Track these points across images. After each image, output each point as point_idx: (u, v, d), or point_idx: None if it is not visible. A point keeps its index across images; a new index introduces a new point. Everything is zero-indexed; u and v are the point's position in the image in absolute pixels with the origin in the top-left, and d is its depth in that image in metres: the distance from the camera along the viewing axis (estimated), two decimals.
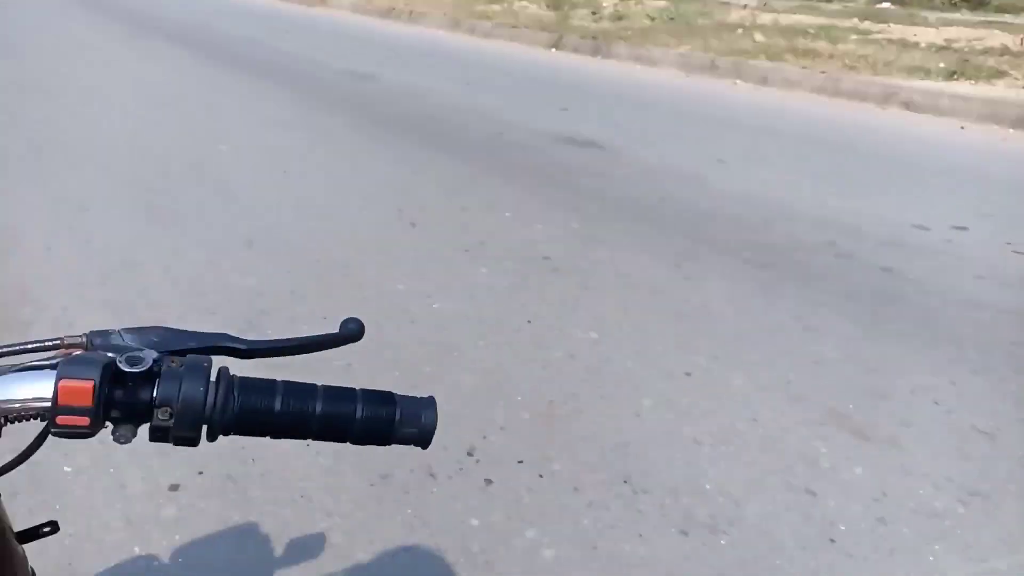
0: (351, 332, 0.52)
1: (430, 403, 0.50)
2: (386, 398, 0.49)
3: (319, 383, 0.49)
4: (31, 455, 0.49)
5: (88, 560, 1.41)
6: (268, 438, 0.49)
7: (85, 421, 0.44)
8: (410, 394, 0.50)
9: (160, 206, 3.41)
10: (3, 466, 0.50)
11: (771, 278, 2.81)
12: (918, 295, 2.74)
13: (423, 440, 0.50)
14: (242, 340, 0.50)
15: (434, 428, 0.49)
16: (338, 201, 3.67)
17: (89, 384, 0.43)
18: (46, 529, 0.72)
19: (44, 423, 0.46)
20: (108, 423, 0.45)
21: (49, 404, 0.44)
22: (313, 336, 0.51)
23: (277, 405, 0.48)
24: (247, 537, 1.49)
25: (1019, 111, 5.49)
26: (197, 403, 0.46)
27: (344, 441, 0.49)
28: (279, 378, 0.49)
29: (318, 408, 0.48)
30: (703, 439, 1.81)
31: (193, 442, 0.47)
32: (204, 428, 0.46)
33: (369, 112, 5.64)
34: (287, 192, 3.73)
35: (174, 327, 0.50)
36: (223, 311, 2.35)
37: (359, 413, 0.49)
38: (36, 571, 0.69)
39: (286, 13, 14.54)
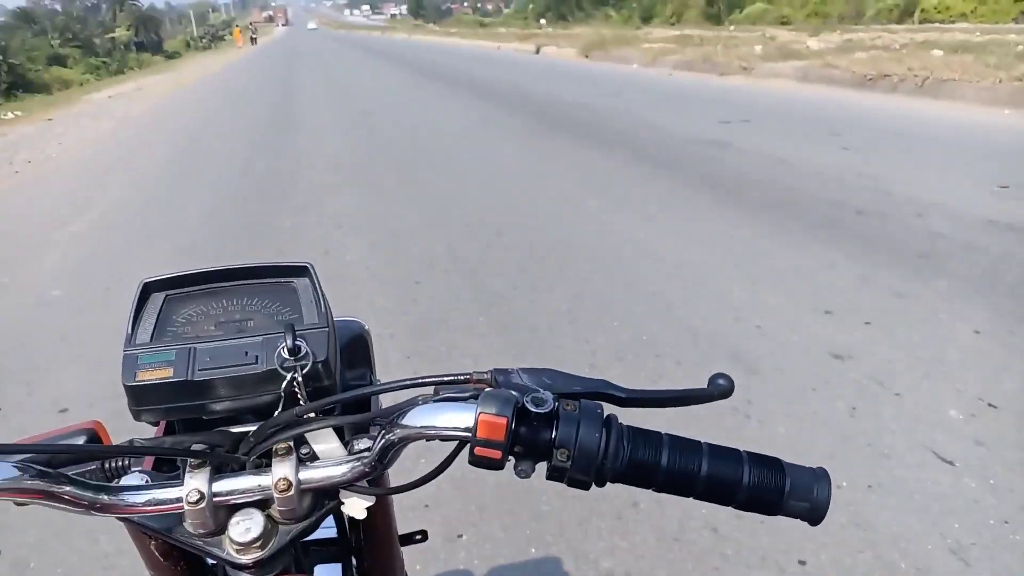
0: (722, 388, 0.54)
1: (823, 475, 0.50)
2: (774, 465, 0.51)
3: (702, 440, 0.52)
4: (439, 474, 0.56)
5: None
6: (651, 490, 0.51)
7: (498, 454, 0.49)
8: (798, 463, 0.51)
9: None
10: (418, 480, 0.57)
11: None
12: None
13: (814, 517, 0.50)
14: (621, 388, 0.54)
15: (827, 504, 0.49)
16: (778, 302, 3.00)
17: (503, 420, 0.49)
18: (418, 536, 0.85)
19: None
20: (511, 457, 0.50)
21: (468, 434, 0.50)
22: (685, 390, 0.54)
23: (664, 460, 0.51)
24: None
25: None
26: (592, 449, 0.49)
27: (727, 505, 0.51)
28: (663, 430, 0.52)
29: (703, 468, 0.50)
30: None
31: (585, 486, 0.50)
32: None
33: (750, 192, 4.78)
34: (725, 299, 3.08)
35: (561, 370, 0.55)
36: None
37: (746, 479, 0.50)
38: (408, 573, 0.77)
39: (594, 70, 15.81)
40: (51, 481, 0.50)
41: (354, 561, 0.80)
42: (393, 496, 0.68)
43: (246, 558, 0.55)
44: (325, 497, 0.58)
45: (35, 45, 48.71)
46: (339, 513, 0.69)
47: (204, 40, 70.36)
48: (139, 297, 0.61)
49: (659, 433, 0.52)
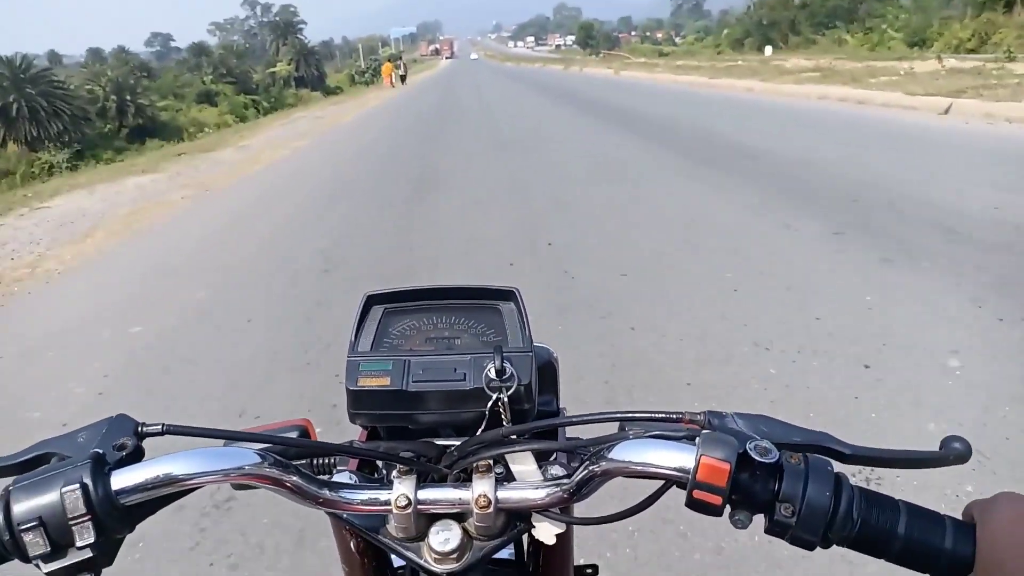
0: (957, 453, 0.51)
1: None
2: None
3: (943, 512, 0.48)
4: (645, 509, 0.55)
5: None
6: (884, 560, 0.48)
7: (718, 500, 0.48)
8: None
9: None
10: (615, 515, 0.58)
11: None
12: None
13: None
14: (845, 444, 0.52)
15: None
16: None
17: (727, 466, 0.48)
18: (589, 571, 0.87)
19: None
20: (728, 505, 0.49)
21: (687, 475, 0.49)
22: (915, 451, 0.51)
23: (901, 529, 0.48)
24: None
25: None
26: (822, 508, 0.47)
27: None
28: (899, 497, 0.49)
29: (947, 543, 0.46)
30: None
31: (810, 546, 0.48)
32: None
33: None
34: None
35: (777, 418, 0.54)
36: None
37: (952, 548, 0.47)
38: None
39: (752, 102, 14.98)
40: (284, 471, 0.55)
41: None
42: (576, 528, 0.68)
43: (442, 568, 0.58)
44: (517, 519, 0.60)
45: (188, 81, 44.05)
46: (519, 537, 0.69)
47: (367, 75, 66.29)
48: (362, 308, 0.67)
49: (895, 500, 0.49)
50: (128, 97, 28.27)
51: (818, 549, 0.49)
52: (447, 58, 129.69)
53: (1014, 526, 0.45)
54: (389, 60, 42.29)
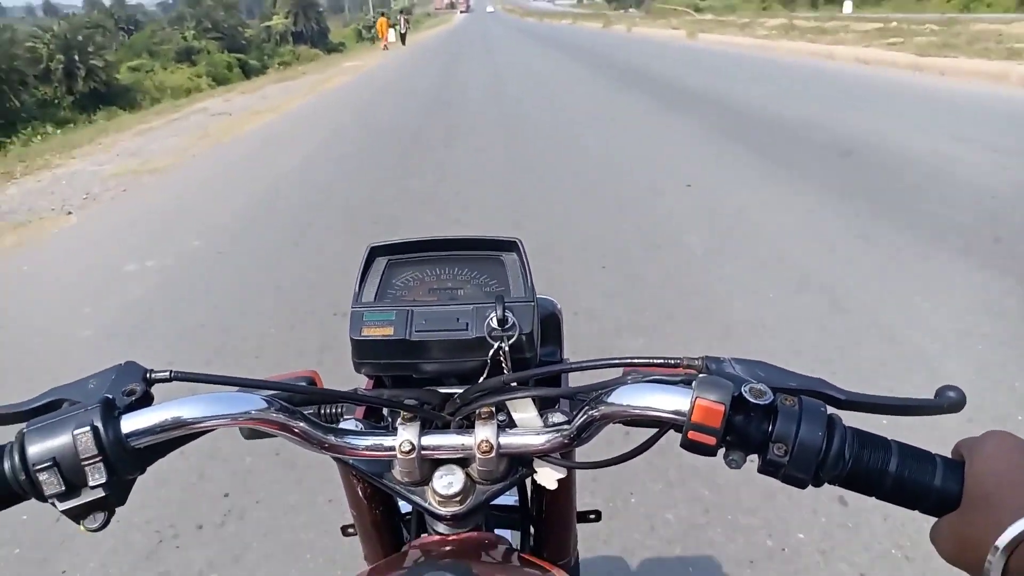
0: (951, 401, 0.52)
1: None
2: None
3: (934, 451, 0.51)
4: (643, 452, 0.58)
5: None
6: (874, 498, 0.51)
7: (712, 440, 0.50)
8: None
9: None
10: (615, 458, 0.60)
11: None
12: None
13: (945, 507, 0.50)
14: (840, 390, 0.54)
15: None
16: None
17: (721, 407, 0.50)
18: (592, 516, 0.91)
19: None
20: (722, 446, 0.51)
21: (683, 418, 0.51)
22: (910, 399, 0.53)
23: (892, 467, 0.50)
24: None
25: None
26: (814, 447, 0.49)
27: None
28: (890, 436, 0.52)
29: (937, 480, 0.49)
30: None
31: (802, 484, 0.50)
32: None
33: None
34: None
35: (775, 364, 0.55)
36: None
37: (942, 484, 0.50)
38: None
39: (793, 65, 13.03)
40: (291, 417, 0.57)
41: (532, 530, 0.84)
42: (576, 472, 0.72)
43: (446, 510, 0.61)
44: (519, 464, 0.62)
45: (167, 37, 38.26)
46: (522, 483, 0.74)
47: (373, 30, 60.61)
48: (366, 260, 0.69)
49: (887, 439, 0.51)
50: (77, 57, 23.57)
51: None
52: (462, 12, 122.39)
53: (999, 461, 0.46)
54: (384, 15, 34.30)
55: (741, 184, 5.47)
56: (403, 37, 31.21)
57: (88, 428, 0.51)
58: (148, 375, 0.57)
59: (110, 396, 0.55)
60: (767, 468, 0.51)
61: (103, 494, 0.51)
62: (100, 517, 0.53)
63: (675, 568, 1.83)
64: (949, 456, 0.51)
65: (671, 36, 25.53)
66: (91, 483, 0.51)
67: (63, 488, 0.51)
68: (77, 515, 0.52)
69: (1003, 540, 0.43)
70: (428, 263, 0.70)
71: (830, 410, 0.52)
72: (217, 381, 0.57)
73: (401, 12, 33.51)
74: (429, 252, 0.71)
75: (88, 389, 0.56)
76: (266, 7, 55.18)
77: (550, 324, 0.73)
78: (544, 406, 0.62)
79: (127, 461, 0.53)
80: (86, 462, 0.51)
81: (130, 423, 0.53)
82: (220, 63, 36.68)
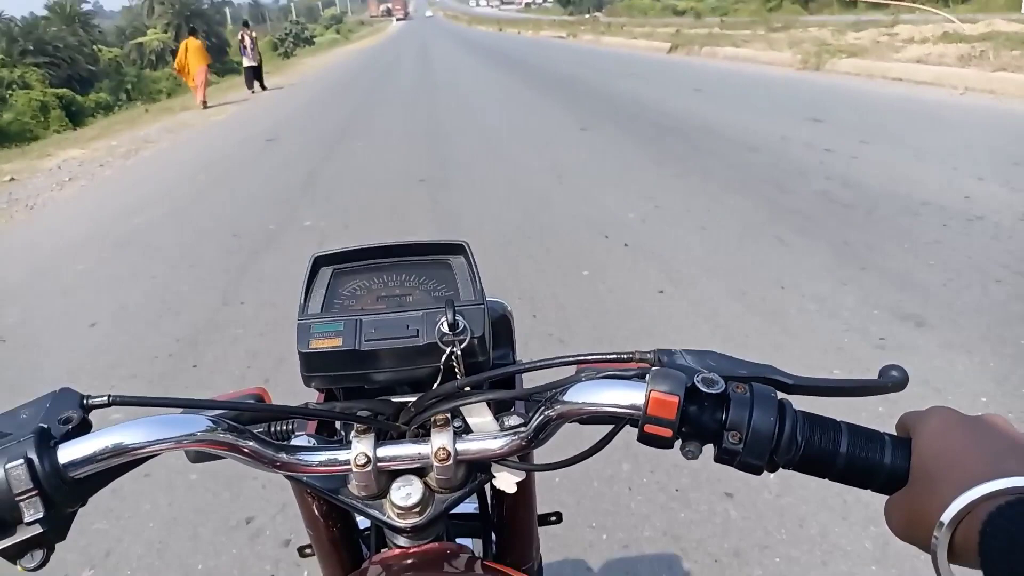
0: (895, 380, 0.55)
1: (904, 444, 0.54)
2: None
3: (882, 430, 0.54)
4: (600, 450, 0.60)
5: None
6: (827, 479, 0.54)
7: (668, 432, 0.52)
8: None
9: None
10: (572, 458, 0.62)
11: None
12: None
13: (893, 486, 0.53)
14: (788, 375, 0.56)
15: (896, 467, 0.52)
16: None
17: (675, 399, 0.51)
18: (553, 518, 0.91)
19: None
20: (678, 438, 0.54)
21: (638, 412, 0.53)
22: (856, 380, 0.56)
23: (842, 448, 0.52)
24: None
25: None
26: (767, 433, 0.51)
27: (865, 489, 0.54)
28: (839, 418, 0.54)
29: (886, 459, 0.51)
30: None
31: (758, 470, 0.53)
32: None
33: None
34: None
35: (725, 353, 0.58)
36: None
37: (888, 462, 0.52)
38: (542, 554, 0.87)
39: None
40: (239, 436, 0.57)
41: (493, 536, 0.85)
42: (536, 475, 0.75)
43: (405, 522, 0.61)
44: (477, 470, 0.63)
45: None
46: (481, 489, 0.76)
47: (286, 44, 48.29)
48: (310, 271, 0.69)
49: (836, 421, 0.54)
50: None
51: (765, 473, 0.53)
52: (398, 19, 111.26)
53: (942, 438, 0.49)
54: (193, 33, 16.56)
55: None
56: (256, 75, 16.84)
57: (21, 461, 0.49)
58: (85, 401, 0.56)
59: (44, 425, 0.53)
60: (723, 456, 0.52)
61: (40, 530, 0.50)
62: (39, 555, 0.51)
63: (640, 569, 1.83)
64: (895, 433, 0.54)
65: (653, 48, 20.35)
66: (27, 519, 0.49)
67: None
68: (13, 555, 0.51)
69: (947, 515, 0.44)
70: (375, 271, 0.70)
71: (780, 395, 0.54)
72: (160, 403, 0.56)
73: (245, 27, 17.47)
74: (375, 259, 0.71)
75: (20, 420, 0.54)
76: (141, 19, 43.74)
77: (501, 326, 0.74)
78: (500, 409, 0.64)
79: (66, 493, 0.51)
80: (20, 497, 0.49)
81: (67, 453, 0.52)
82: (22, 105, 24.36)
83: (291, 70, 24.97)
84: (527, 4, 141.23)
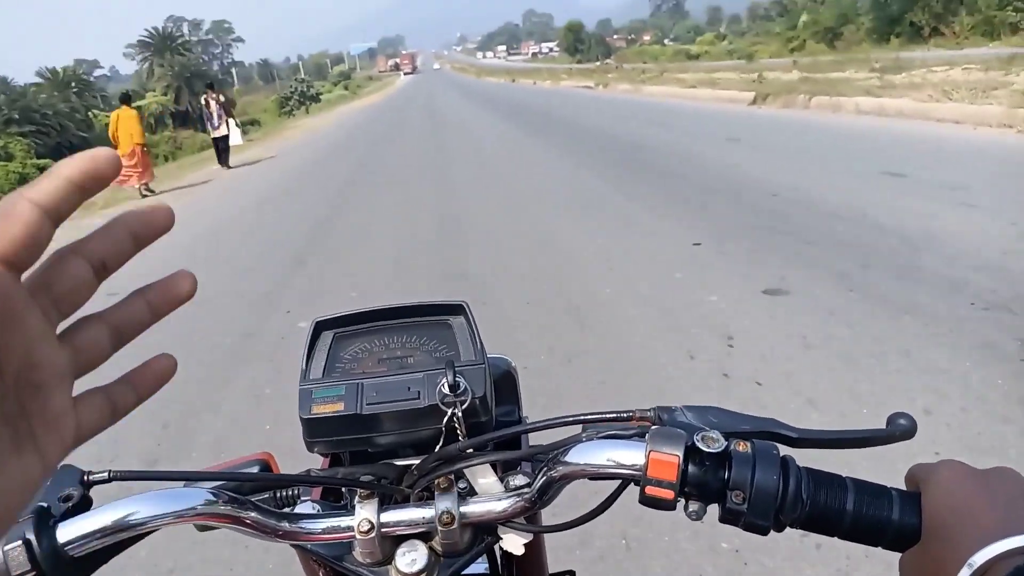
0: (903, 429, 0.54)
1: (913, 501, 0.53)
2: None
3: (889, 485, 0.53)
4: (604, 511, 0.60)
5: None
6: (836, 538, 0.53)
7: (670, 495, 0.51)
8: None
9: None
10: (578, 519, 0.61)
11: None
12: None
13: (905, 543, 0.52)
14: (792, 428, 0.56)
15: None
16: None
17: (675, 459, 0.51)
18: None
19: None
20: (680, 498, 0.53)
21: (637, 472, 0.53)
22: (861, 430, 0.55)
23: (849, 505, 0.51)
24: None
25: None
26: (771, 492, 0.50)
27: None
28: (845, 473, 0.54)
29: (895, 515, 0.50)
30: None
31: (764, 531, 0.52)
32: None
33: None
34: None
35: (726, 408, 0.58)
36: None
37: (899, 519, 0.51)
38: None
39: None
40: (240, 508, 0.58)
41: None
42: (546, 535, 0.74)
43: None
44: (483, 532, 0.63)
45: None
46: (491, 550, 0.76)
47: (292, 101, 46.12)
48: (311, 335, 0.69)
49: (842, 477, 0.53)
50: None
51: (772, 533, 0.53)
52: (406, 74, 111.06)
53: (954, 492, 0.48)
54: (127, 101, 12.38)
55: None
56: (221, 148, 14.12)
57: (19, 542, 0.50)
58: (85, 477, 0.57)
59: (44, 504, 0.54)
60: (727, 517, 0.52)
61: None
62: None
63: None
64: (903, 487, 0.53)
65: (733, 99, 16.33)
66: None
67: None
68: None
69: (964, 574, 0.44)
70: (375, 333, 0.71)
71: (784, 451, 0.53)
72: (160, 477, 0.57)
73: (210, 89, 14.02)
74: (375, 322, 0.71)
75: None
76: (140, 81, 41.94)
77: (505, 383, 0.74)
78: (505, 469, 0.64)
79: (65, 572, 0.52)
80: None
81: (67, 531, 0.53)
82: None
83: (283, 133, 22.31)
84: (533, 54, 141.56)
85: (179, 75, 37.96)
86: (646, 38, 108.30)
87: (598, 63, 55.41)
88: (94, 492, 0.57)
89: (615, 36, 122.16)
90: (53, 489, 0.55)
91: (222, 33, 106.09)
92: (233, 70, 77.88)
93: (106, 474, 0.55)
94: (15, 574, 0.48)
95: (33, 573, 0.49)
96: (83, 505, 0.55)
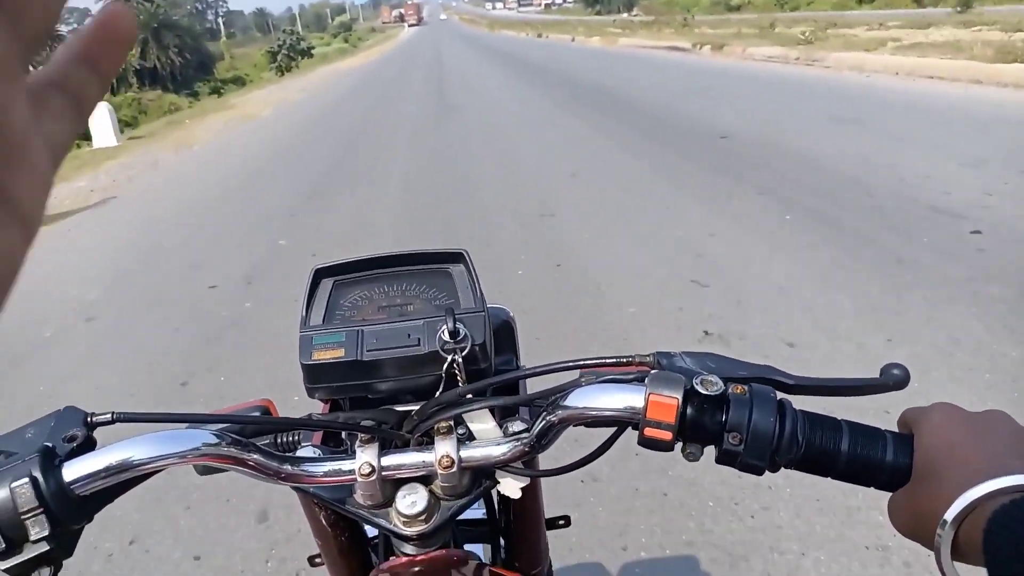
0: (896, 378, 0.55)
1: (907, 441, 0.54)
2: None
3: (882, 427, 0.54)
4: (602, 454, 0.61)
5: None
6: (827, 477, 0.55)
7: (668, 436, 0.53)
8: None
9: None
10: (575, 463, 0.62)
11: None
12: None
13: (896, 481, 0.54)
14: (788, 375, 0.57)
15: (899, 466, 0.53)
16: None
17: (674, 401, 0.52)
18: (561, 522, 0.91)
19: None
20: (679, 440, 0.55)
21: (638, 415, 0.54)
22: (855, 379, 0.56)
23: (844, 446, 0.52)
24: None
25: None
26: (767, 433, 0.51)
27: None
28: (840, 416, 0.55)
29: (888, 456, 0.51)
30: None
31: (759, 471, 0.53)
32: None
33: None
34: None
35: (724, 355, 0.59)
36: None
37: (892, 459, 0.53)
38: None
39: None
40: (243, 449, 0.58)
41: (502, 542, 0.86)
42: (542, 480, 0.76)
43: (411, 530, 0.62)
44: (482, 476, 0.65)
45: None
46: (488, 495, 0.79)
47: (279, 56, 40.50)
48: (311, 283, 0.70)
49: (836, 419, 0.55)
50: None
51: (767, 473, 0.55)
52: (411, 25, 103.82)
53: (945, 434, 0.49)
54: None
55: None
56: None
57: (27, 479, 0.51)
58: (89, 419, 0.58)
59: (50, 444, 0.55)
60: (724, 458, 0.53)
61: (47, 548, 0.51)
62: (46, 572, 0.52)
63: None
64: (896, 430, 0.55)
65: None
66: (33, 537, 0.51)
67: (3, 545, 0.50)
68: (20, 573, 0.52)
69: (950, 513, 0.44)
70: (375, 281, 0.71)
71: (780, 395, 0.55)
72: (163, 419, 0.58)
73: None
74: (375, 270, 0.72)
75: (26, 439, 0.57)
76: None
77: (503, 332, 0.75)
78: (504, 415, 0.65)
79: (71, 510, 0.53)
80: (26, 516, 0.50)
81: (72, 470, 0.54)
82: None
83: (206, 121, 14.70)
84: (546, 5, 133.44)
85: (145, 25, 32.44)
86: None
87: (624, 15, 49.17)
88: (97, 434, 0.58)
89: None
90: (57, 430, 0.57)
91: None
92: (220, 20, 71.61)
93: (109, 415, 0.57)
94: (22, 510, 0.50)
95: (40, 510, 0.50)
96: (87, 445, 0.56)
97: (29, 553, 0.50)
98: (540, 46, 30.59)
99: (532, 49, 28.08)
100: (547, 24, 46.80)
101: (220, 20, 74.32)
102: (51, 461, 0.52)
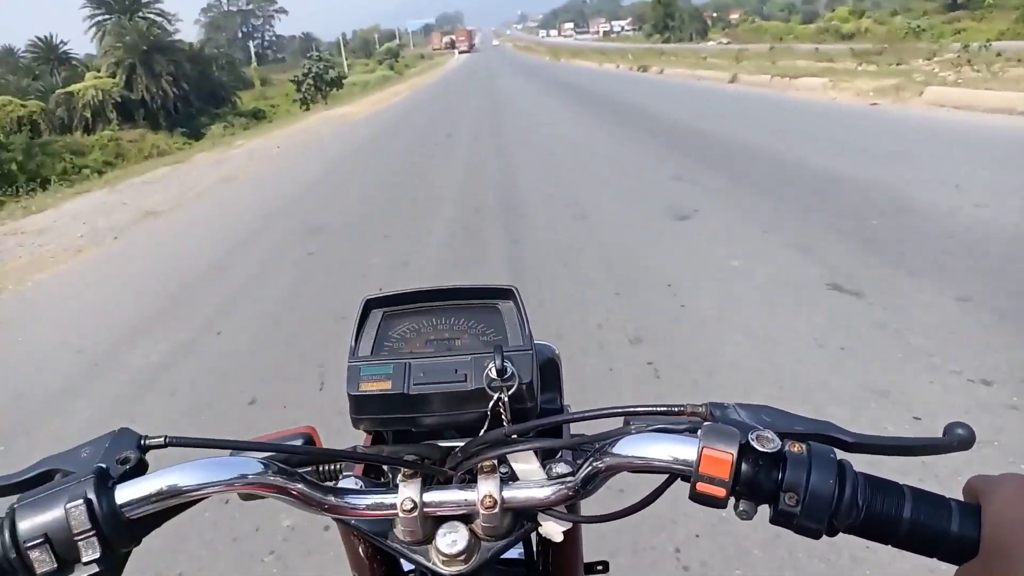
0: (960, 439, 0.53)
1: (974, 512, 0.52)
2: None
3: (948, 495, 0.53)
4: (649, 504, 0.60)
5: None
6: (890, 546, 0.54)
7: (722, 492, 0.51)
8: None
9: None
10: (620, 511, 0.61)
11: None
12: None
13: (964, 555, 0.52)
14: (848, 432, 0.56)
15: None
16: None
17: (729, 457, 0.51)
18: (599, 567, 0.88)
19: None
20: (732, 497, 0.53)
21: (690, 468, 0.53)
22: (919, 439, 0.55)
23: (906, 513, 0.51)
24: None
25: None
26: (826, 496, 0.50)
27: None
28: (903, 482, 0.54)
29: (953, 526, 0.50)
30: None
31: (816, 534, 0.52)
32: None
33: None
34: None
35: (780, 408, 0.58)
36: None
37: (958, 531, 0.51)
38: None
39: None
40: (288, 479, 0.59)
41: None
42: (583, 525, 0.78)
43: (450, 570, 0.62)
44: (523, 518, 0.65)
45: None
46: (527, 536, 0.78)
47: (305, 86, 33.56)
48: (361, 313, 0.71)
49: (899, 484, 0.53)
50: None
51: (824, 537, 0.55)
52: (461, 52, 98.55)
53: (1016, 507, 0.48)
54: None
55: None
56: None
57: (81, 500, 0.52)
58: (143, 441, 0.59)
59: (104, 465, 0.56)
60: (779, 518, 0.52)
61: (96, 570, 0.52)
62: None
63: None
64: (962, 499, 0.54)
65: None
66: (84, 559, 0.51)
67: (55, 566, 0.51)
68: None
69: None
70: (424, 313, 0.72)
71: (840, 455, 0.54)
72: (212, 445, 0.59)
73: None
74: (425, 303, 0.73)
75: (81, 458, 0.58)
76: (99, 56, 30.89)
77: (549, 370, 0.75)
78: (547, 456, 0.65)
79: (122, 533, 0.54)
80: (79, 537, 0.51)
81: (125, 493, 0.54)
82: None
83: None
84: (605, 33, 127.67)
85: (133, 48, 26.63)
86: (733, 17, 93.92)
87: (704, 42, 42.22)
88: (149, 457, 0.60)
89: (715, 12, 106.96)
90: (111, 451, 0.57)
91: (264, 3, 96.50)
92: (250, 43, 67.30)
93: (162, 439, 0.58)
94: (76, 531, 0.50)
95: (93, 532, 0.51)
96: (139, 468, 0.57)
97: (80, 574, 0.51)
98: (669, 92, 18.64)
99: (656, 99, 16.44)
100: (620, 54, 34.99)
101: (251, 44, 70.38)
102: (105, 483, 0.53)
